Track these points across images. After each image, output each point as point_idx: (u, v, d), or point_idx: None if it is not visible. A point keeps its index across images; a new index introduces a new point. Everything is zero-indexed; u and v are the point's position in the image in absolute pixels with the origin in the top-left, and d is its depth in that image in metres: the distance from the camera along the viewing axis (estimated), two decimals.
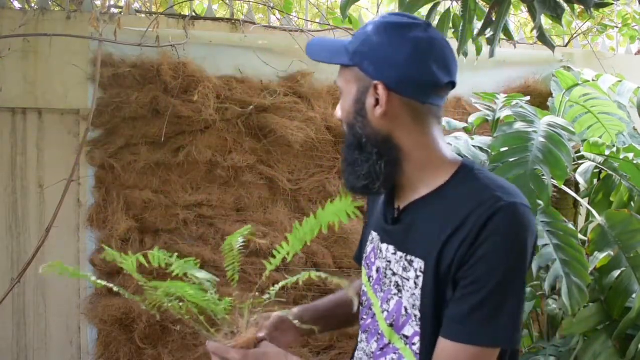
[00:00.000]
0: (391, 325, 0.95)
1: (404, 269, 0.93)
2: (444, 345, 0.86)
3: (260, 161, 2.43)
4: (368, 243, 1.03)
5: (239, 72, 2.42)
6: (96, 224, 2.29)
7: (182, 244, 2.33)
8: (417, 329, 0.91)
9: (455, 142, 1.77)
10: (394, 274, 0.95)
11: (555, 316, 1.84)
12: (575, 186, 2.07)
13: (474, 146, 1.75)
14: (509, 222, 0.85)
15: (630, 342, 1.53)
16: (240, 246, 1.00)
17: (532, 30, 2.78)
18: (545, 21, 2.59)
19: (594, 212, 1.74)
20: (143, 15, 2.43)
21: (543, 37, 1.46)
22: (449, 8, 1.60)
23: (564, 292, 1.44)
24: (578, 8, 1.74)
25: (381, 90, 0.91)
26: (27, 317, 2.31)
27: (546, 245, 1.53)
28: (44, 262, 2.34)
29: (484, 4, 1.57)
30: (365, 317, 1.02)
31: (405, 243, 0.95)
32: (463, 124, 2.01)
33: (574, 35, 3.04)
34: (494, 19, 1.41)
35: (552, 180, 1.58)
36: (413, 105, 0.92)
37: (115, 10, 2.52)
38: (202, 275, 0.91)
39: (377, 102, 0.91)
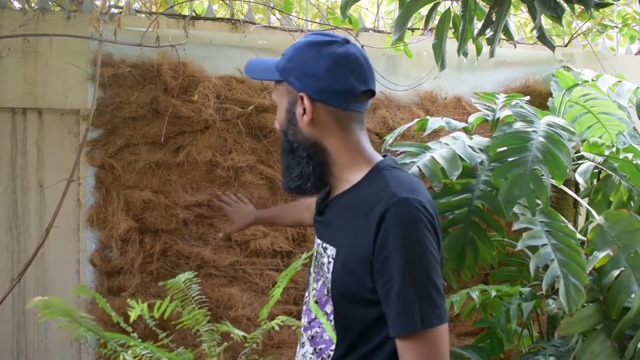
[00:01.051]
0: (317, 302, 1.09)
1: (320, 255, 1.08)
2: (396, 343, 0.96)
3: (260, 161, 2.43)
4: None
5: (239, 72, 2.42)
6: (96, 224, 2.29)
7: (182, 244, 2.34)
8: (333, 307, 1.05)
9: (452, 142, 1.77)
10: (320, 258, 1.09)
11: (554, 316, 1.84)
12: (575, 186, 2.07)
13: (470, 147, 1.75)
14: (399, 215, 0.95)
15: (629, 342, 1.53)
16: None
17: (532, 30, 2.78)
18: (546, 21, 2.59)
19: (593, 212, 1.74)
20: (143, 15, 2.43)
21: (543, 37, 1.46)
22: (449, 8, 1.60)
23: (562, 292, 1.44)
24: (578, 8, 1.74)
25: (306, 100, 1.04)
26: (27, 317, 2.31)
27: (545, 245, 1.53)
28: (44, 262, 2.36)
29: (484, 4, 1.57)
30: (306, 294, 1.17)
31: (323, 232, 1.10)
32: (463, 124, 2.01)
33: (574, 35, 3.04)
34: (494, 19, 1.41)
35: (552, 180, 1.58)
36: (336, 113, 1.05)
37: (115, 10, 2.53)
38: (208, 328, 0.89)
39: (305, 111, 1.05)
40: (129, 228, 2.26)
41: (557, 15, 1.33)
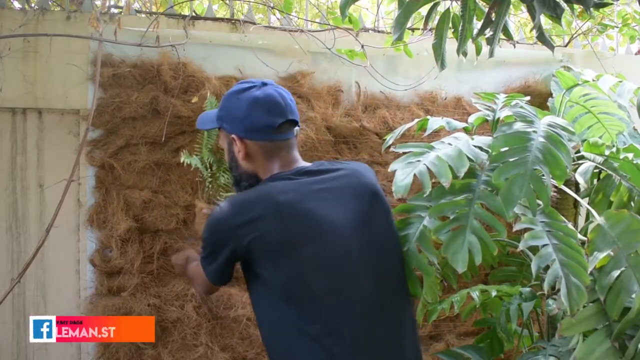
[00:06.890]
0: None
1: None
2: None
3: None
4: None
5: (239, 72, 2.42)
6: (96, 224, 2.29)
7: (182, 243, 2.34)
8: None
9: (455, 142, 1.77)
10: None
11: (555, 316, 1.83)
12: (575, 186, 2.06)
13: (474, 146, 1.75)
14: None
15: (630, 342, 1.53)
16: None
17: (531, 30, 2.78)
18: (545, 21, 2.59)
19: (593, 212, 1.74)
20: (143, 15, 2.44)
21: (542, 37, 1.46)
22: (449, 8, 1.60)
23: (563, 293, 1.44)
24: (578, 8, 1.74)
25: (237, 140, 1.29)
26: (27, 317, 2.31)
27: (545, 245, 1.52)
28: (43, 262, 2.36)
29: (484, 3, 1.57)
30: None
31: None
32: (463, 124, 2.01)
33: (574, 35, 3.04)
34: (493, 19, 1.41)
35: (552, 180, 1.58)
36: (264, 145, 1.29)
37: (115, 10, 2.53)
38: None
39: (238, 149, 1.30)
40: (128, 228, 2.26)
41: (556, 15, 1.33)
